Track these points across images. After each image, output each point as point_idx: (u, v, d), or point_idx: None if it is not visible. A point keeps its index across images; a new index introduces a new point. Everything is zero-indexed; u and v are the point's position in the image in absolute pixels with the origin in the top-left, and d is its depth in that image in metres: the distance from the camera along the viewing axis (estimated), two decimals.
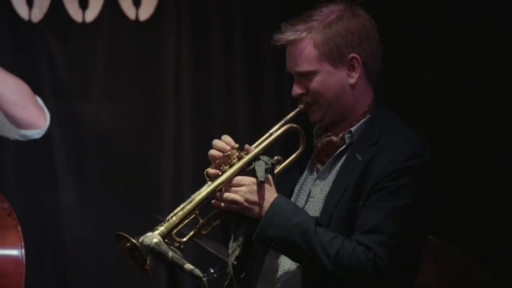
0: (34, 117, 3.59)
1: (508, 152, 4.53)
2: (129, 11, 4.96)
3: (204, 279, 2.43)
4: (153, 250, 2.53)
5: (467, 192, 4.60)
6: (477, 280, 3.73)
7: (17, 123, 3.55)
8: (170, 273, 2.50)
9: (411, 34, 4.75)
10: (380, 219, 2.63)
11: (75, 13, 4.93)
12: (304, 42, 2.75)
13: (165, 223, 2.64)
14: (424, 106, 4.74)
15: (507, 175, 4.53)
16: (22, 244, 3.39)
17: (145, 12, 4.97)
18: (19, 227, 3.42)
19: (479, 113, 4.60)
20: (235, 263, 2.72)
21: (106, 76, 5.00)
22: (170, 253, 2.49)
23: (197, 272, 2.44)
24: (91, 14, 4.94)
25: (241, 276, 2.74)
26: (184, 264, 2.46)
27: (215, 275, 4.10)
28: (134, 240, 2.58)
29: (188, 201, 2.68)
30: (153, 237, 2.56)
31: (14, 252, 3.39)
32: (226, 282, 2.72)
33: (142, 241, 2.55)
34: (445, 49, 4.68)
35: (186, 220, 2.67)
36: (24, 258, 3.37)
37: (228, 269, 2.72)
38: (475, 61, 4.59)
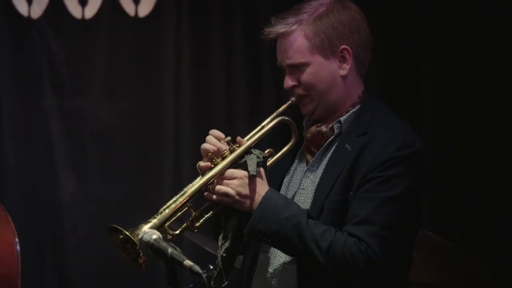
0: None
1: (508, 149, 4.52)
2: (129, 7, 4.95)
3: (204, 275, 2.43)
4: (152, 247, 2.52)
5: (467, 189, 4.59)
6: (477, 277, 3.73)
7: None
8: (169, 270, 2.50)
9: (410, 31, 4.74)
10: (371, 209, 2.63)
11: (75, 9, 4.93)
12: (295, 34, 2.75)
13: (157, 215, 2.65)
14: (423, 103, 4.73)
15: (507, 172, 4.52)
16: (15, 233, 3.45)
17: (145, 8, 4.97)
18: (9, 217, 3.48)
19: (479, 110, 4.59)
20: (224, 255, 2.71)
21: (105, 72, 4.99)
22: (170, 250, 2.48)
23: (197, 268, 2.43)
24: (91, 10, 4.94)
25: (230, 268, 2.73)
26: (184, 260, 2.46)
27: (214, 272, 4.09)
28: (126, 232, 2.58)
29: (180, 193, 2.69)
30: (152, 233, 2.55)
31: (9, 241, 3.44)
32: (215, 274, 2.71)
33: (141, 238, 2.54)
34: (445, 46, 4.67)
35: (179, 213, 2.67)
36: (18, 248, 3.43)
37: (217, 261, 2.72)
38: (474, 57, 4.59)
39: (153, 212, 4.49)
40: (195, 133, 5.01)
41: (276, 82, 4.98)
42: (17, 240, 3.46)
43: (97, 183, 5.00)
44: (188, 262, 2.45)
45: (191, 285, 4.09)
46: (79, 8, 4.94)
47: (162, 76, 5.02)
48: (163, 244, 2.51)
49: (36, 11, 4.90)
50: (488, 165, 4.54)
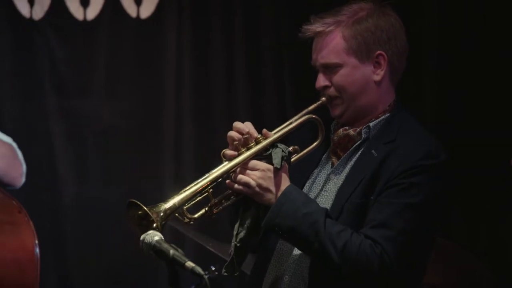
0: (11, 179, 3.80)
1: (510, 148, 4.52)
2: (130, 9, 4.96)
3: (205, 276, 2.43)
4: (154, 248, 2.52)
5: (468, 188, 4.59)
6: (480, 278, 3.73)
7: None
8: (171, 271, 2.50)
9: (413, 30, 4.73)
10: (389, 214, 2.64)
11: (76, 11, 4.93)
12: (333, 34, 2.76)
13: (178, 195, 2.65)
14: (425, 103, 4.74)
15: (509, 171, 4.51)
16: (36, 240, 3.45)
17: (146, 10, 4.97)
18: (31, 223, 3.49)
19: (481, 110, 4.59)
20: (238, 245, 2.72)
21: (107, 73, 5.00)
22: (171, 251, 2.48)
23: (198, 269, 2.44)
24: (92, 12, 4.94)
25: (243, 258, 2.74)
26: (185, 261, 2.46)
27: (216, 273, 4.10)
28: (145, 208, 2.59)
29: (203, 177, 2.69)
30: (154, 235, 2.55)
31: (29, 247, 3.44)
32: (227, 263, 2.73)
33: (143, 239, 2.54)
34: (448, 45, 4.67)
35: (199, 197, 2.68)
36: (38, 253, 3.43)
37: (230, 251, 2.73)
38: (477, 57, 4.59)
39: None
40: (196, 134, 5.02)
41: (277, 81, 4.99)
42: (37, 246, 3.46)
43: (97, 183, 5.00)
44: (190, 264, 2.45)
45: (193, 287, 4.09)
46: (81, 9, 4.94)
47: (163, 77, 5.03)
48: (165, 245, 2.51)
49: (38, 13, 4.91)
50: (490, 164, 4.54)
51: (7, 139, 3.84)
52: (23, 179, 3.84)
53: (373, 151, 2.73)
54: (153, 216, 2.59)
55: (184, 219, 2.68)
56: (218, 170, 2.70)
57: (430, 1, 4.71)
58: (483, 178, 4.55)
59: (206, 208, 2.72)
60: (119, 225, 4.86)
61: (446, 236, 3.98)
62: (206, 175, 2.69)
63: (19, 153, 3.81)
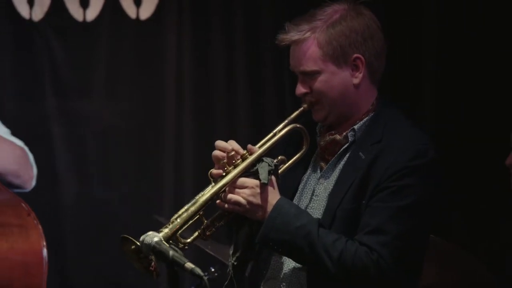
0: (23, 183, 3.80)
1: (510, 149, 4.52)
2: (130, 10, 4.96)
3: (205, 278, 2.44)
4: (153, 249, 2.53)
5: (468, 189, 4.59)
6: (480, 279, 3.73)
7: (7, 184, 3.72)
8: (170, 272, 2.50)
9: (412, 32, 4.74)
10: (383, 219, 2.63)
11: (76, 12, 4.93)
12: (308, 42, 2.74)
13: (169, 225, 2.63)
14: (425, 105, 4.74)
15: (508, 172, 4.52)
16: (44, 243, 3.45)
17: (146, 11, 4.98)
18: (40, 226, 3.49)
19: (481, 112, 4.59)
20: (235, 263, 2.72)
21: (107, 74, 5.01)
22: (171, 252, 2.49)
23: (198, 271, 2.45)
24: (92, 13, 4.94)
25: (242, 276, 2.75)
26: (185, 263, 2.47)
27: (215, 274, 4.11)
28: (138, 243, 2.58)
29: (192, 202, 2.68)
30: (154, 236, 2.56)
31: (37, 250, 3.44)
32: (226, 282, 2.73)
33: (143, 240, 2.55)
34: (448, 48, 4.67)
35: (191, 221, 2.67)
36: (46, 257, 3.43)
37: (228, 270, 2.73)
38: (478, 58, 4.59)
39: (154, 212, 4.51)
40: (196, 135, 5.02)
41: (277, 81, 5.00)
42: (45, 249, 3.46)
43: (98, 184, 5.01)
44: (189, 265, 2.46)
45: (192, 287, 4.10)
46: (80, 10, 4.94)
47: (163, 78, 5.03)
48: (165, 246, 2.52)
49: (38, 14, 4.91)
50: (489, 165, 4.54)
51: (19, 143, 3.85)
52: (33, 183, 3.85)
53: (360, 153, 2.72)
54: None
55: (179, 245, 2.65)
56: (206, 193, 2.69)
57: (429, 1, 4.71)
58: (483, 178, 4.55)
59: (199, 231, 2.71)
60: (119, 225, 4.87)
61: (446, 236, 3.98)
62: (196, 199, 2.68)
63: (31, 157, 3.83)
